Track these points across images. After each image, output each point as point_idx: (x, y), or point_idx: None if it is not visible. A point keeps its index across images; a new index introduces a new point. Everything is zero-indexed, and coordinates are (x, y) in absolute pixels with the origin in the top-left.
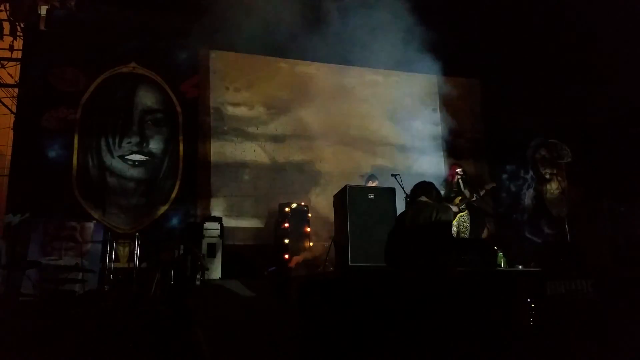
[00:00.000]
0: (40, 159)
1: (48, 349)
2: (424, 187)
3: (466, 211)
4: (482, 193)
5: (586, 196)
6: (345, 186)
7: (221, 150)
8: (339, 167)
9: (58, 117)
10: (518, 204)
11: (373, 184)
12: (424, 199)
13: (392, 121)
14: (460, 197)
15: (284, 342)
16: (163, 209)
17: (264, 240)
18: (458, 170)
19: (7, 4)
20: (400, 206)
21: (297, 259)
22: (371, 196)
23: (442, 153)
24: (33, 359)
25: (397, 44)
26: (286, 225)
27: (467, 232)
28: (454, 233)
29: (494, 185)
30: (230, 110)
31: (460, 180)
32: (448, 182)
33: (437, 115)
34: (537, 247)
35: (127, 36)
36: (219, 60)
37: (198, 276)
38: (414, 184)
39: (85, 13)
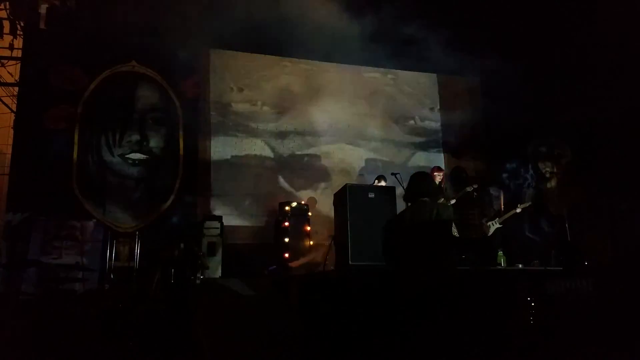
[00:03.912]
0: (40, 158)
1: (48, 348)
2: (421, 183)
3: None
4: (453, 202)
5: (586, 195)
6: (346, 185)
7: (221, 149)
8: (339, 165)
9: (58, 115)
10: (518, 202)
11: (380, 183)
12: (423, 197)
13: (392, 119)
14: (442, 199)
15: (284, 340)
16: (163, 207)
17: (264, 239)
18: (436, 174)
19: (7, 3)
20: (401, 205)
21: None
22: (371, 195)
23: (441, 150)
24: (33, 359)
25: (397, 43)
26: (286, 224)
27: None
28: None
29: (476, 186)
30: (230, 109)
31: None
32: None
33: (437, 114)
34: (537, 246)
35: (127, 35)
36: (219, 59)
37: (199, 275)
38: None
39: (85, 12)
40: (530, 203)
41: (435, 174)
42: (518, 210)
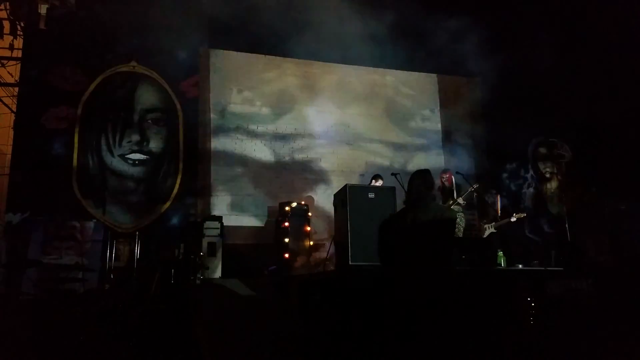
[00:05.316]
0: (40, 158)
1: (48, 348)
2: (424, 185)
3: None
4: (461, 201)
5: (586, 195)
6: (346, 185)
7: (221, 149)
8: (339, 165)
9: (58, 116)
10: (518, 203)
11: (377, 183)
12: (427, 200)
13: (392, 120)
14: (451, 202)
15: (284, 341)
16: (163, 207)
17: (264, 239)
18: (443, 175)
19: (8, 3)
20: (401, 205)
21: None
22: (371, 195)
23: (442, 151)
24: (33, 359)
25: (397, 43)
26: (286, 224)
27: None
28: None
29: (477, 186)
30: (231, 109)
31: (444, 186)
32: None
33: (437, 115)
34: (537, 246)
35: (127, 35)
36: (219, 59)
37: (198, 275)
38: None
39: (86, 12)
40: (525, 215)
41: (443, 175)
42: (513, 219)
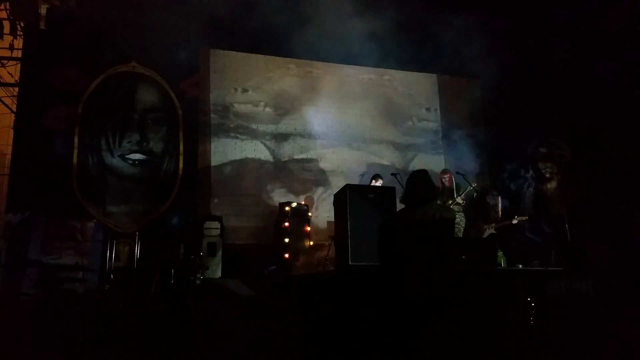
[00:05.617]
0: (40, 158)
1: (48, 348)
2: (422, 185)
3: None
4: (460, 200)
5: (586, 195)
6: (346, 185)
7: (221, 149)
8: (339, 165)
9: (58, 116)
10: (518, 203)
11: (377, 182)
12: (426, 201)
13: (392, 120)
14: (450, 201)
15: (284, 341)
16: (163, 208)
17: (264, 240)
18: (444, 175)
19: (8, 3)
20: (401, 205)
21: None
22: (371, 195)
23: (441, 151)
24: (33, 359)
25: (398, 43)
26: (286, 224)
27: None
28: None
29: (475, 185)
30: (231, 109)
31: (444, 186)
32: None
33: (437, 114)
34: (537, 246)
35: (127, 35)
36: (219, 59)
37: (198, 275)
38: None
39: (86, 12)
40: (527, 217)
41: (443, 175)
42: (514, 221)
